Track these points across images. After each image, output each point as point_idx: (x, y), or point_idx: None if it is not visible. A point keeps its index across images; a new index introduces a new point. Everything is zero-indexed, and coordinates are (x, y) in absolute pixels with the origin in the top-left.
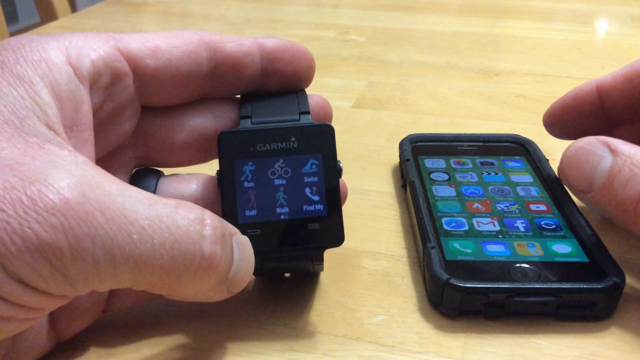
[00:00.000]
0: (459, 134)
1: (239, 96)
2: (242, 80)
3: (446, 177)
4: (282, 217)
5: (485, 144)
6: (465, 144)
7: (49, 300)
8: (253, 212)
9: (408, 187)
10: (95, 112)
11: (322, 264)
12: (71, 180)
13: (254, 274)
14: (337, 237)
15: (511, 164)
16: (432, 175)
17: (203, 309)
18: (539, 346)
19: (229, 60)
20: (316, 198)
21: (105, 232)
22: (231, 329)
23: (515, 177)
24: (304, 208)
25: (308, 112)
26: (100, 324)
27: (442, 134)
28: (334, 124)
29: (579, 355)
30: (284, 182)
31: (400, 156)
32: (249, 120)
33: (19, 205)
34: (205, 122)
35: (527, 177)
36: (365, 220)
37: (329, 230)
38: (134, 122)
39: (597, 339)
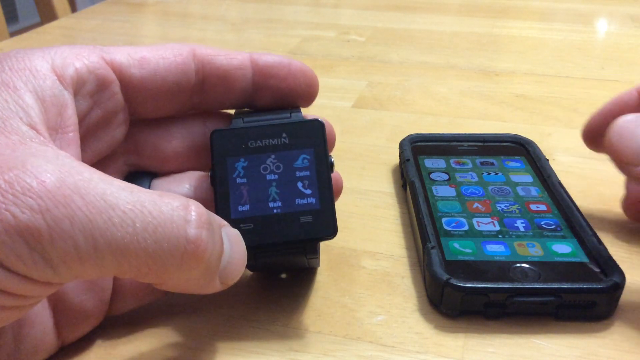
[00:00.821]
0: (459, 134)
1: (232, 112)
2: (232, 93)
3: (446, 177)
4: (275, 211)
5: (485, 144)
6: (465, 144)
7: (32, 287)
8: (246, 207)
9: (408, 187)
10: (84, 118)
11: (317, 258)
12: (49, 167)
13: (249, 269)
14: (329, 229)
15: (511, 164)
16: (432, 175)
17: (203, 309)
18: (539, 346)
19: (218, 72)
20: (308, 192)
21: (85, 214)
22: (231, 329)
23: (515, 177)
24: (297, 201)
25: (299, 110)
26: (100, 323)
27: (442, 134)
28: (333, 124)
29: (579, 355)
30: (276, 177)
31: (400, 156)
32: (241, 119)
33: None
34: (196, 131)
35: (527, 177)
36: (365, 220)
37: (322, 222)
38: (125, 130)
39: (597, 339)
